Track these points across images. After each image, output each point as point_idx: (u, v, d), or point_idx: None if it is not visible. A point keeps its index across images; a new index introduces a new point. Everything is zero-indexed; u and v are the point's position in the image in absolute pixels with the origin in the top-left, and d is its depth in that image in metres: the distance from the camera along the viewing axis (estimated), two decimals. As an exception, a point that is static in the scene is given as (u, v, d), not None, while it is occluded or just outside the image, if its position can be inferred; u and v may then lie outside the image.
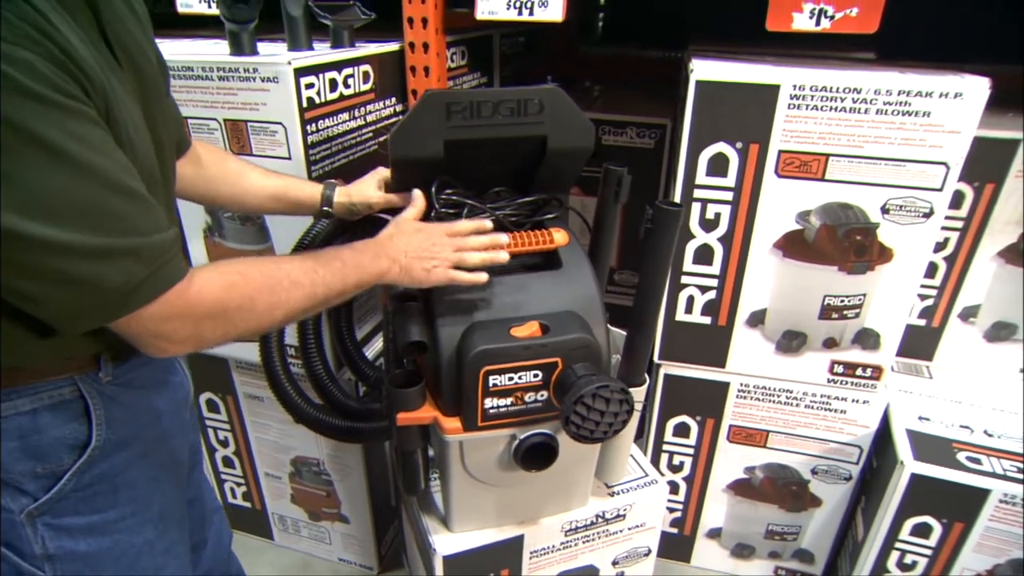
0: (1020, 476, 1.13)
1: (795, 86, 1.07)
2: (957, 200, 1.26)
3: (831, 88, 1.06)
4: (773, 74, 1.09)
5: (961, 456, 1.18)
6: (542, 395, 0.86)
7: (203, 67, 1.10)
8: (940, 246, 1.32)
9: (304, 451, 1.51)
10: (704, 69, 1.11)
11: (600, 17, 2.44)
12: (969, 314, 1.38)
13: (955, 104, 1.03)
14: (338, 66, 1.15)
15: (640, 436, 1.49)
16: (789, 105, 1.09)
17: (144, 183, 0.65)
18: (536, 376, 0.85)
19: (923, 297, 1.38)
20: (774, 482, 1.42)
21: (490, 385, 0.84)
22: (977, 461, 1.17)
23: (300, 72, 1.06)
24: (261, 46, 1.18)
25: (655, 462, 1.46)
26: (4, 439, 0.71)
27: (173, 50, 1.18)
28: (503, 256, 0.86)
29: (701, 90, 1.11)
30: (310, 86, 1.09)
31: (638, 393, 0.98)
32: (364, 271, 0.81)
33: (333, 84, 1.14)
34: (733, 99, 1.10)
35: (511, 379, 0.85)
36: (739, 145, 1.13)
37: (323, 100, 1.13)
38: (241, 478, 1.65)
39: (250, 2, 1.07)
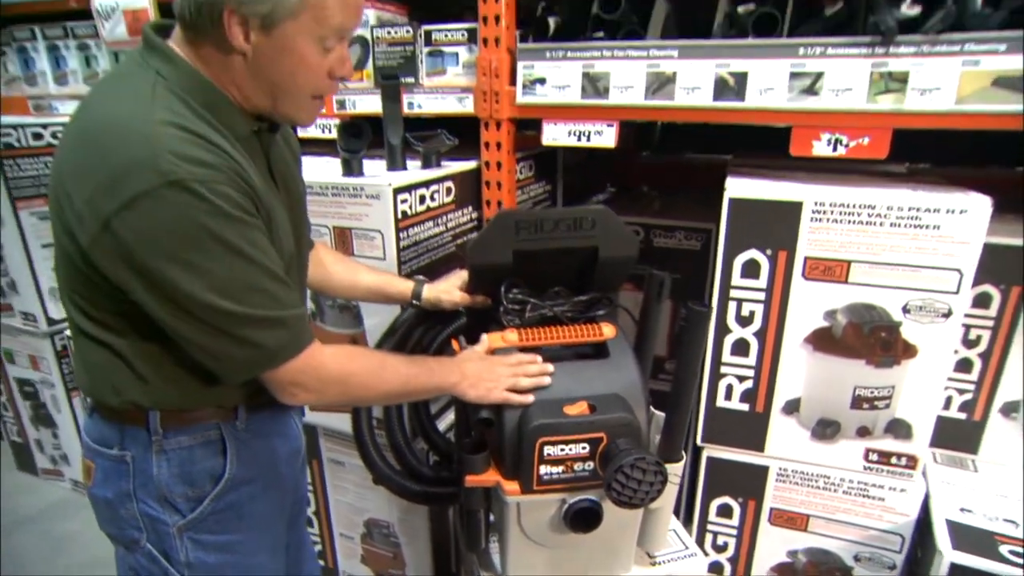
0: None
1: (816, 202, 1.24)
2: (985, 301, 1.36)
3: (848, 204, 1.22)
4: (797, 191, 1.26)
5: (1004, 549, 1.22)
6: (589, 465, 1.01)
7: (321, 186, 1.37)
8: (973, 343, 1.41)
9: (377, 513, 1.68)
10: (736, 187, 1.29)
11: (658, 126, 2.67)
12: (1010, 409, 1.44)
13: (961, 218, 1.17)
14: (427, 184, 1.41)
15: (690, 522, 1.58)
16: (812, 218, 1.25)
17: (285, 270, 0.92)
18: (584, 448, 1.00)
19: (961, 391, 1.45)
20: (817, 567, 1.46)
21: (545, 454, 1.00)
22: (1022, 556, 1.20)
23: (397, 191, 1.31)
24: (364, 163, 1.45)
25: (700, 541, 1.54)
26: (169, 466, 0.96)
27: (296, 170, 1.46)
28: (547, 381, 1.05)
29: (734, 205, 1.29)
30: (404, 201, 1.34)
31: (675, 468, 1.11)
32: (444, 379, 1.04)
33: (422, 198, 1.39)
34: (762, 213, 1.27)
35: (563, 450, 1.00)
36: (769, 252, 1.29)
37: (414, 212, 1.37)
38: (318, 537, 1.82)
39: (361, 137, 1.35)
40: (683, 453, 1.12)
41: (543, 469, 1.01)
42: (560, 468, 1.01)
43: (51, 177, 0.87)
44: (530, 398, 1.04)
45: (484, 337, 1.13)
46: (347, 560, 1.80)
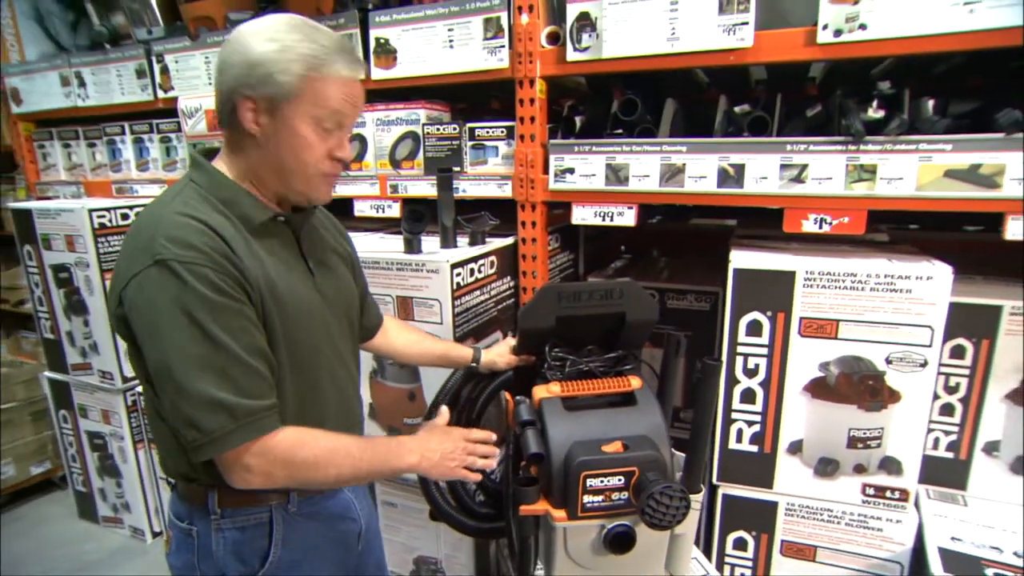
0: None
1: (807, 272, 1.46)
2: (961, 352, 1.56)
3: (834, 273, 1.45)
4: (790, 262, 1.49)
5: (989, 572, 1.39)
6: (624, 495, 1.21)
7: (387, 262, 1.62)
8: (953, 389, 1.60)
9: (426, 551, 1.85)
10: (740, 259, 1.52)
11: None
12: (992, 448, 1.62)
13: (928, 283, 1.39)
14: (475, 259, 1.66)
15: (709, 555, 1.75)
16: (804, 284, 1.47)
17: (304, 353, 1.06)
18: (620, 480, 1.20)
19: (947, 433, 1.64)
20: (827, 595, 1.63)
21: (587, 486, 1.20)
22: (1004, 577, 1.37)
23: (454, 266, 1.56)
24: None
25: (720, 572, 1.71)
26: (225, 544, 1.09)
27: (363, 246, 1.72)
28: (494, 463, 1.21)
29: (738, 275, 1.52)
30: (458, 274, 1.59)
31: (696, 498, 1.30)
32: (401, 460, 1.12)
33: (472, 271, 1.64)
34: (762, 280, 1.50)
35: (602, 482, 1.20)
36: (769, 313, 1.51)
37: (465, 283, 1.62)
38: None
39: (422, 221, 1.61)
40: (702, 486, 1.31)
41: (586, 499, 1.21)
42: (600, 498, 1.21)
43: None
44: (479, 476, 1.20)
45: (443, 409, 1.34)
46: (396, 597, 1.97)
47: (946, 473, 1.65)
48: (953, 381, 1.59)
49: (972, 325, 1.53)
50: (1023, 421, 1.55)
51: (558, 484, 1.24)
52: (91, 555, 2.57)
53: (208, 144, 1.13)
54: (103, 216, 2.28)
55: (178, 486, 1.11)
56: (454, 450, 1.17)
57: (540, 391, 1.34)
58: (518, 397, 1.41)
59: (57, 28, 2.83)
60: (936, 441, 1.64)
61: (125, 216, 2.34)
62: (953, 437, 1.64)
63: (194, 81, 2.23)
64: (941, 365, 1.55)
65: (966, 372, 1.58)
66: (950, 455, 1.65)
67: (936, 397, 1.59)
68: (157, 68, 2.30)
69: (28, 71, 2.72)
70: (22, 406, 3.04)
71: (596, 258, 2.41)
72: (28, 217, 2.40)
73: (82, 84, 2.50)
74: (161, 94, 2.33)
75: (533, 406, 1.34)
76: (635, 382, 1.35)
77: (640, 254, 2.43)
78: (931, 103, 1.44)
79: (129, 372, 2.42)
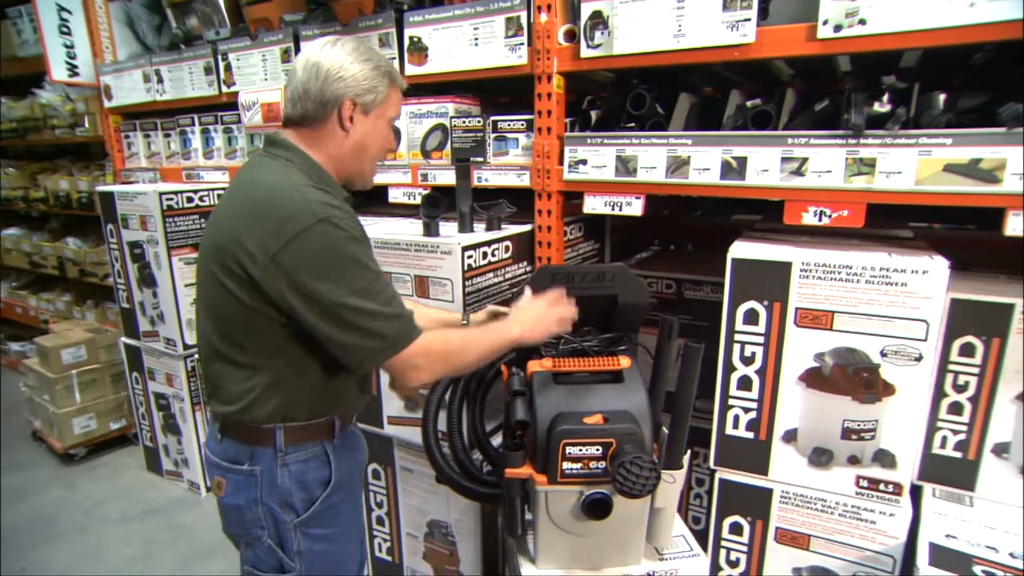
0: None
1: (803, 263, 1.49)
2: (970, 350, 1.54)
3: (829, 265, 1.47)
4: (787, 253, 1.52)
5: (978, 569, 1.39)
6: (602, 464, 1.29)
7: (406, 243, 1.76)
8: (961, 388, 1.58)
9: (438, 515, 1.99)
10: (738, 249, 1.57)
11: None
12: (1001, 450, 1.59)
13: (924, 278, 1.39)
14: (488, 243, 1.77)
15: (706, 539, 1.79)
16: (800, 275, 1.50)
17: None
18: (598, 450, 1.29)
19: (955, 432, 1.62)
20: (820, 584, 1.65)
21: (567, 453, 1.29)
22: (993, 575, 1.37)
23: (465, 249, 1.68)
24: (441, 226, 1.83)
25: (715, 558, 1.75)
26: (290, 476, 1.28)
27: (389, 229, 1.86)
28: (575, 309, 1.38)
29: (736, 264, 1.56)
30: (470, 256, 1.70)
31: (677, 474, 1.37)
32: (510, 335, 1.33)
33: (485, 255, 1.76)
34: (759, 271, 1.54)
35: (581, 450, 1.29)
36: (766, 303, 1.55)
37: (478, 265, 1.73)
38: (388, 535, 2.15)
39: (439, 207, 1.74)
40: (683, 462, 1.38)
41: (566, 465, 1.30)
42: (579, 465, 1.30)
43: (215, 237, 1.21)
44: (571, 326, 1.39)
45: (527, 291, 1.44)
46: (411, 557, 2.11)
47: (953, 472, 1.63)
48: (962, 379, 1.57)
49: (982, 323, 1.51)
50: (1032, 423, 1.52)
51: (541, 450, 1.33)
52: (155, 502, 2.87)
53: (264, 134, 1.38)
54: (171, 199, 2.54)
55: (233, 432, 1.28)
56: (544, 313, 1.35)
57: (533, 365, 1.44)
58: (512, 369, 1.52)
59: (144, 31, 3.14)
60: (944, 440, 1.62)
61: (190, 199, 2.60)
62: (961, 436, 1.62)
63: (252, 77, 2.44)
64: (949, 363, 1.54)
65: (976, 371, 1.56)
66: (958, 455, 1.63)
67: (944, 395, 1.58)
68: (222, 65, 2.53)
69: (118, 69, 3.04)
70: (104, 368, 3.40)
71: (625, 248, 2.47)
72: (111, 199, 2.69)
73: (160, 80, 2.78)
74: (224, 89, 2.57)
75: (525, 378, 1.44)
76: (624, 362, 1.42)
77: (674, 245, 2.47)
78: (942, 97, 1.44)
79: (190, 340, 2.67)
